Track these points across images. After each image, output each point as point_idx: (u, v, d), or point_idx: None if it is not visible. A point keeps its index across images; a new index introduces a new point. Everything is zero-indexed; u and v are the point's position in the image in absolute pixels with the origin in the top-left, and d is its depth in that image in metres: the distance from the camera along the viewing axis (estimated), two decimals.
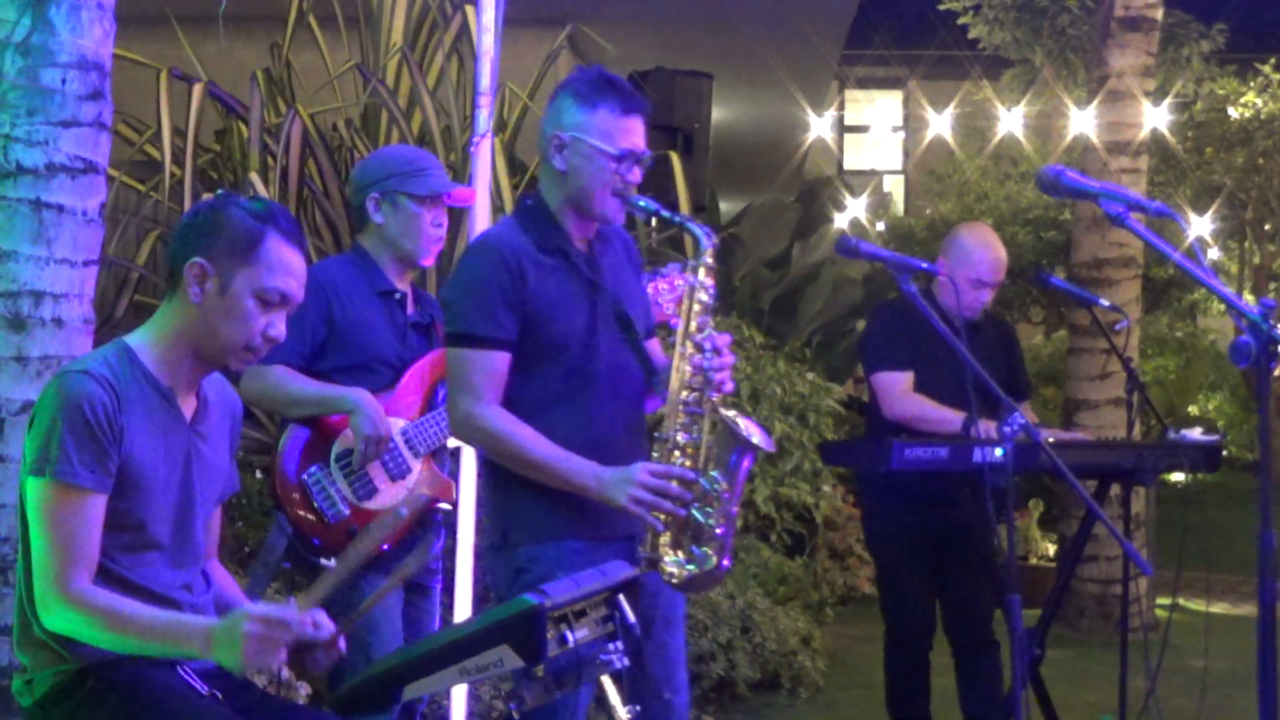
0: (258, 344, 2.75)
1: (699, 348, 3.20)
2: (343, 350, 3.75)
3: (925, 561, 4.94)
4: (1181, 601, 8.56)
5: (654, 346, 3.46)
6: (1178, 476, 6.89)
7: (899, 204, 18.49)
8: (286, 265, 2.75)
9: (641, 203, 3.28)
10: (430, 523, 3.92)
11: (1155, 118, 9.00)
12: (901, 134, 19.61)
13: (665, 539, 3.15)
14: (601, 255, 3.38)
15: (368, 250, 3.88)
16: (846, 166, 18.92)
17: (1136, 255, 8.05)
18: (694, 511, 3.14)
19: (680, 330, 3.24)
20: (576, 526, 3.22)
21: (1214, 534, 8.07)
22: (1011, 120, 12.45)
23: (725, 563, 3.17)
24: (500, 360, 3.21)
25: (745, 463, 3.19)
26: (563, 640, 2.48)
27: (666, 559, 3.15)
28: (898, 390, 4.83)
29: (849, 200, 13.36)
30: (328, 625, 2.71)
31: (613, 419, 3.27)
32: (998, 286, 4.89)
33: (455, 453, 4.12)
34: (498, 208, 6.03)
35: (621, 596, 2.64)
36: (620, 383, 3.31)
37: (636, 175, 3.28)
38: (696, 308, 3.24)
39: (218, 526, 3.00)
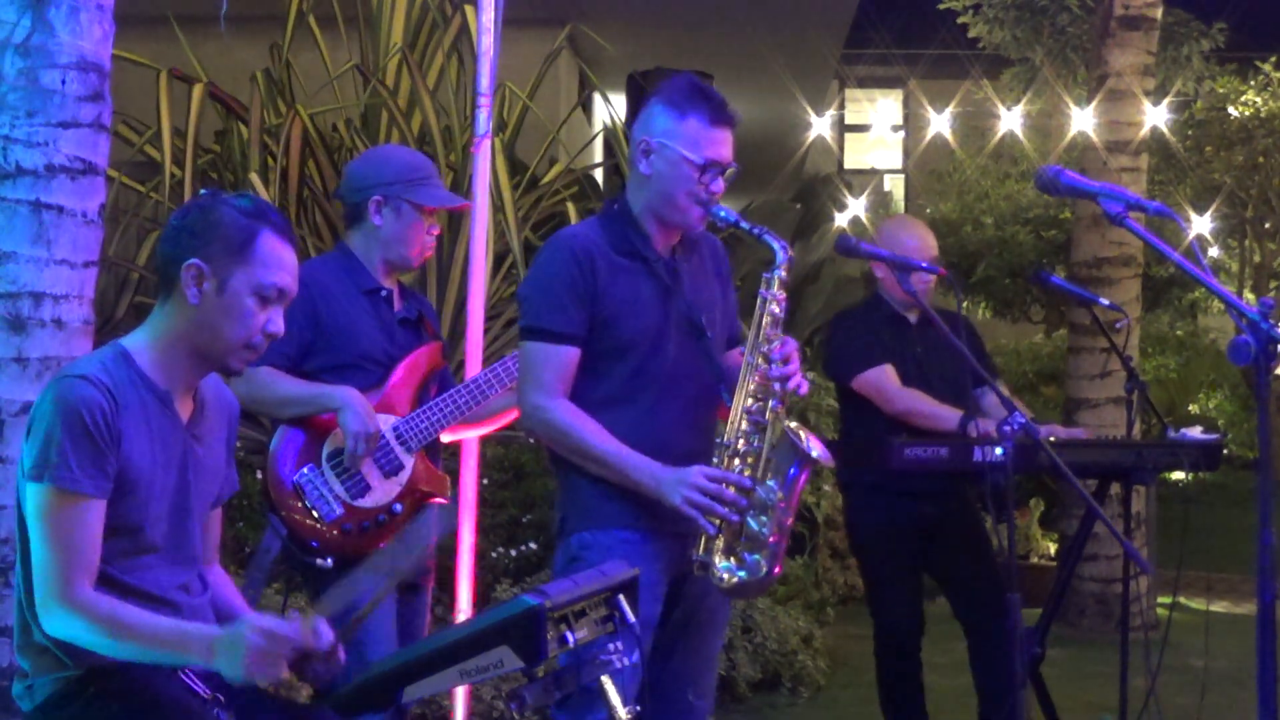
0: (258, 341, 2.75)
1: (767, 358, 3.26)
2: (329, 350, 3.74)
3: (913, 560, 4.94)
4: (1182, 600, 8.55)
5: (735, 357, 3.49)
6: (1178, 475, 6.88)
7: (899, 203, 18.48)
8: (281, 260, 2.75)
9: (722, 213, 3.35)
10: (424, 518, 3.91)
11: (1155, 116, 8.99)
12: (902, 133, 19.59)
13: (718, 544, 3.20)
14: (684, 262, 3.45)
15: (354, 249, 3.88)
16: (847, 166, 18.90)
17: (1136, 254, 8.04)
18: (748, 519, 3.19)
19: (750, 340, 3.31)
20: (630, 517, 3.29)
21: (1214, 533, 8.08)
22: (1011, 119, 12.44)
23: (776, 570, 3.23)
24: (568, 355, 3.29)
25: (803, 475, 3.24)
26: (563, 640, 2.48)
27: (719, 564, 3.20)
28: (893, 385, 4.82)
29: (849, 199, 13.35)
30: (327, 635, 2.71)
31: (675, 422, 3.33)
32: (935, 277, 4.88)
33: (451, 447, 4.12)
34: (497, 207, 6.03)
35: (621, 596, 2.64)
36: (686, 386, 3.36)
37: (719, 186, 3.35)
38: (767, 319, 3.30)
39: (218, 528, 3.00)
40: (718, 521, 3.18)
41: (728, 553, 3.21)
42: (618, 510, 3.29)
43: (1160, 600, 8.12)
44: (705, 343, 3.39)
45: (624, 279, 3.33)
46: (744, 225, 3.36)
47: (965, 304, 11.40)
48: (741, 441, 3.24)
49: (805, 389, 3.28)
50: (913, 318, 4.92)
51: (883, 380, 4.83)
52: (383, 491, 3.74)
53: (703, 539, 3.21)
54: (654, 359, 3.33)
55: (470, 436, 4.21)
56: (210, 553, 2.97)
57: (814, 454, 3.23)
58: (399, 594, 3.81)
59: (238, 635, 2.54)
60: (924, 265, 4.00)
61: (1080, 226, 8.22)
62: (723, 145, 3.34)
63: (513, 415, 3.98)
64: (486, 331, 5.90)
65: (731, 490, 3.17)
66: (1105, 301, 5.42)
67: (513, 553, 6.19)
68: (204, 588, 2.87)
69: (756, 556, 3.20)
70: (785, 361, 3.26)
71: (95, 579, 2.61)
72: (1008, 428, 3.52)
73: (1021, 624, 3.50)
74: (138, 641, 2.58)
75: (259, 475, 5.95)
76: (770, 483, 3.21)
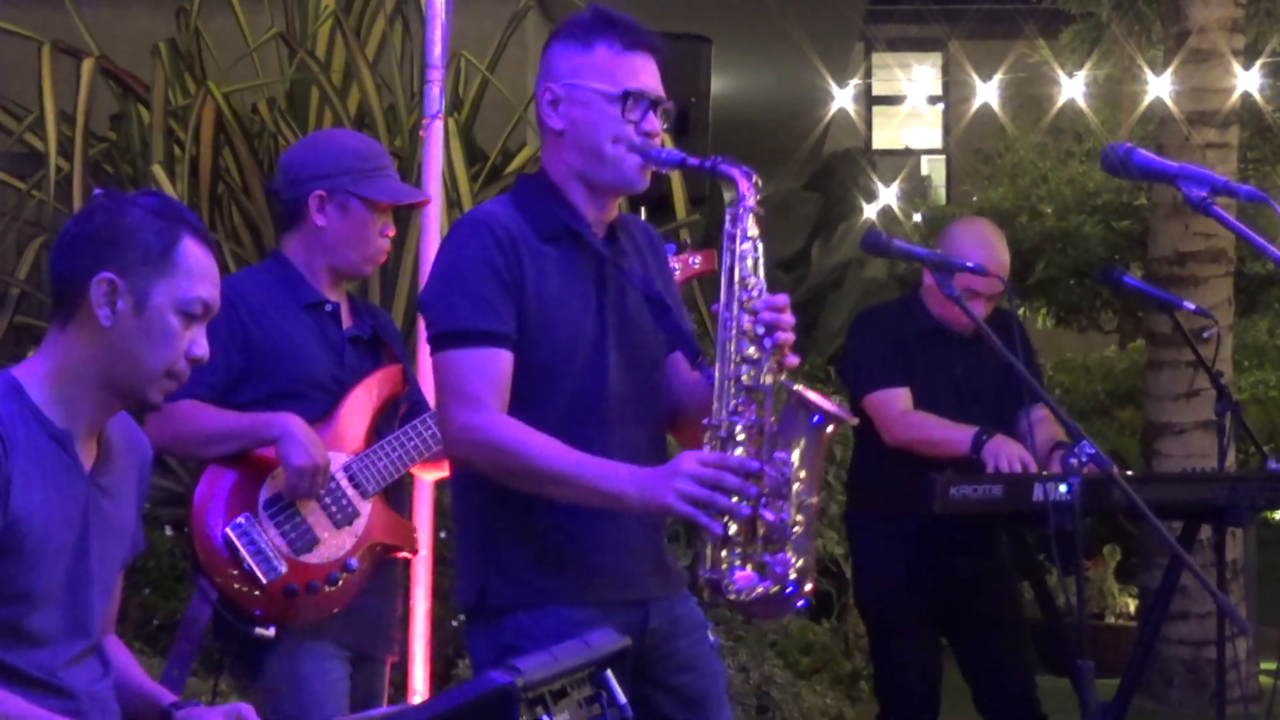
0: (182, 367, 2.76)
1: (750, 309, 3.11)
2: (265, 377, 3.75)
3: (933, 628, 4.96)
4: None
5: (688, 373, 3.35)
6: None
7: (940, 189, 18.50)
8: (205, 269, 2.77)
9: (663, 155, 3.24)
10: (389, 577, 3.92)
11: (1247, 81, 9.02)
12: (941, 106, 19.63)
13: (725, 552, 3.04)
14: (624, 242, 3.34)
15: (291, 257, 3.89)
16: (875, 145, 18.93)
17: (1227, 248, 8.07)
18: (762, 511, 3.02)
19: (722, 293, 3.15)
20: (576, 587, 3.16)
21: None
22: (1074, 87, 12.48)
23: (807, 582, 3.07)
24: (499, 359, 3.13)
25: (821, 439, 3.11)
26: None
27: (734, 575, 3.04)
28: (896, 410, 4.84)
29: (878, 186, 13.38)
30: None
31: (625, 450, 3.18)
32: (995, 298, 4.88)
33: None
34: (452, 202, 6.05)
35: (609, 672, 2.64)
36: (635, 408, 3.26)
37: (653, 122, 3.24)
38: (745, 264, 3.15)
39: (118, 596, 3.00)
40: (725, 520, 2.99)
41: (744, 559, 3.04)
42: (561, 580, 3.16)
43: (1263, 666, 8.13)
44: (667, 316, 3.27)
45: (553, 272, 3.19)
46: (691, 162, 3.21)
47: (1021, 310, 11.42)
48: (735, 418, 3.07)
49: (795, 360, 3.11)
50: (956, 330, 4.92)
51: (889, 405, 4.84)
52: (334, 545, 3.74)
53: (709, 550, 3.04)
54: (591, 376, 3.20)
55: (436, 476, 4.20)
56: (109, 622, 2.95)
57: (830, 409, 3.09)
58: (354, 666, 3.82)
59: None
60: (969, 265, 4.00)
61: (1158, 215, 8.25)
62: (644, 73, 3.25)
63: None
64: None
65: (735, 476, 2.98)
66: (1190, 305, 5.44)
67: None
68: (105, 671, 2.86)
69: (782, 555, 3.04)
70: (776, 311, 3.09)
71: None
72: (1074, 459, 3.51)
73: (1096, 697, 3.50)
74: None
75: (169, 532, 5.99)
76: (779, 455, 3.06)
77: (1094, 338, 12.70)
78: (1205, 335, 6.00)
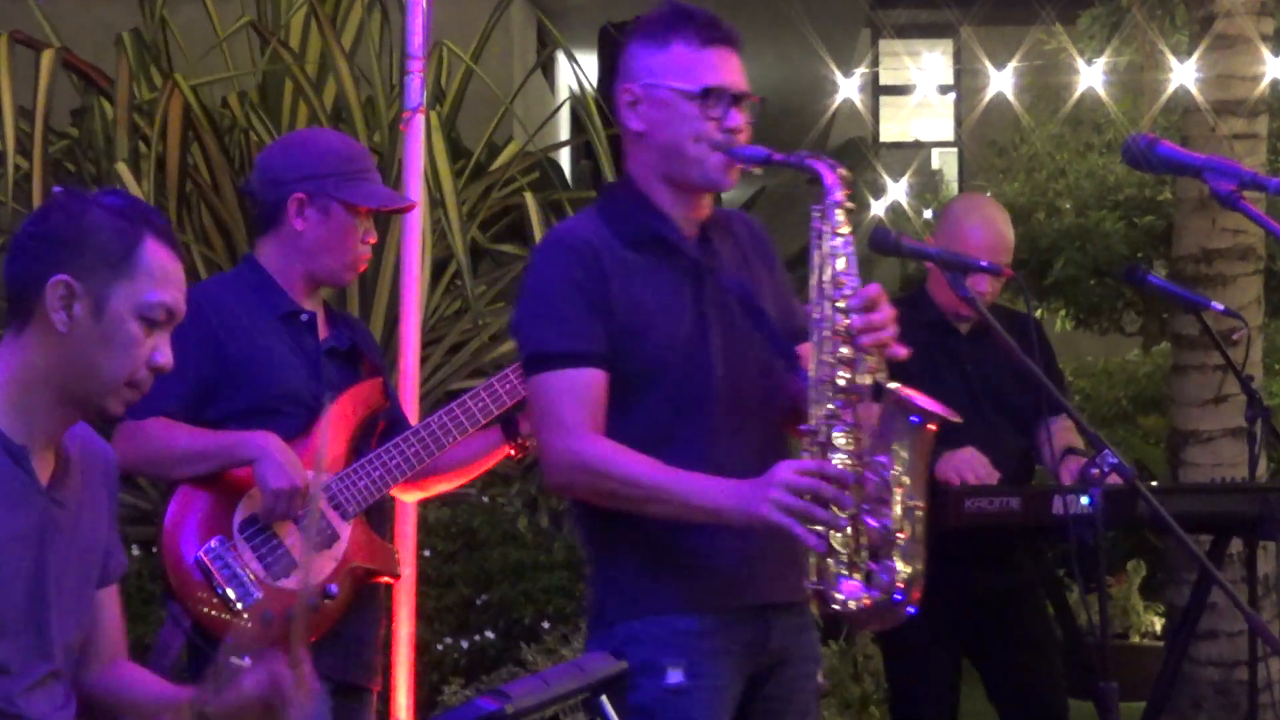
0: (143, 376, 2.75)
1: (844, 308, 3.16)
2: (238, 390, 3.75)
3: (954, 649, 4.95)
4: None
5: (805, 352, 3.35)
6: None
7: (951, 184, 18.51)
8: (168, 273, 2.77)
9: (747, 152, 3.29)
10: (371, 603, 3.92)
11: (1276, 68, 9.02)
12: (953, 95, 19.64)
13: (830, 561, 3.07)
14: (719, 243, 3.41)
15: (266, 262, 3.88)
16: (883, 138, 18.93)
17: (1256, 244, 8.05)
18: (865, 517, 3.07)
19: (813, 290, 3.21)
20: (687, 597, 3.25)
21: None
22: (1093, 75, 12.47)
23: (916, 590, 3.10)
24: (591, 379, 3.23)
25: (923, 438, 3.14)
26: None
27: (841, 585, 3.08)
28: None
29: (886, 180, 13.36)
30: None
31: (737, 456, 3.25)
32: (1001, 278, 4.86)
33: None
34: (435, 200, 6.05)
35: (604, 698, 2.64)
36: (744, 409, 3.32)
37: (736, 118, 3.30)
38: (840, 261, 3.21)
39: (118, 615, 3.00)
40: (824, 529, 3.03)
41: (850, 568, 3.07)
42: (671, 589, 3.24)
43: None
44: (763, 322, 3.34)
45: (642, 280, 3.28)
46: (776, 158, 3.28)
47: (1039, 311, 11.42)
48: (832, 423, 3.11)
49: (903, 352, 3.16)
50: (964, 326, 4.92)
51: None
52: (313, 569, 3.74)
53: (813, 561, 3.08)
54: (696, 379, 3.27)
55: (417, 497, 4.21)
56: (117, 646, 2.98)
57: (929, 407, 3.12)
58: (337, 697, 3.82)
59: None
60: (982, 264, 4.00)
61: (1184, 211, 8.24)
62: (723, 68, 3.32)
63: (476, 469, 4.00)
64: (424, 360, 5.91)
65: (831, 485, 3.03)
66: (1218, 306, 5.43)
67: (464, 644, 6.18)
68: (67, 701, 2.85)
69: (889, 562, 3.07)
70: (870, 308, 3.15)
71: None
72: (1095, 470, 3.51)
73: None
74: None
75: (135, 551, 5.98)
76: (879, 458, 3.08)
77: (1116, 340, 12.70)
78: (1234, 337, 5.99)
